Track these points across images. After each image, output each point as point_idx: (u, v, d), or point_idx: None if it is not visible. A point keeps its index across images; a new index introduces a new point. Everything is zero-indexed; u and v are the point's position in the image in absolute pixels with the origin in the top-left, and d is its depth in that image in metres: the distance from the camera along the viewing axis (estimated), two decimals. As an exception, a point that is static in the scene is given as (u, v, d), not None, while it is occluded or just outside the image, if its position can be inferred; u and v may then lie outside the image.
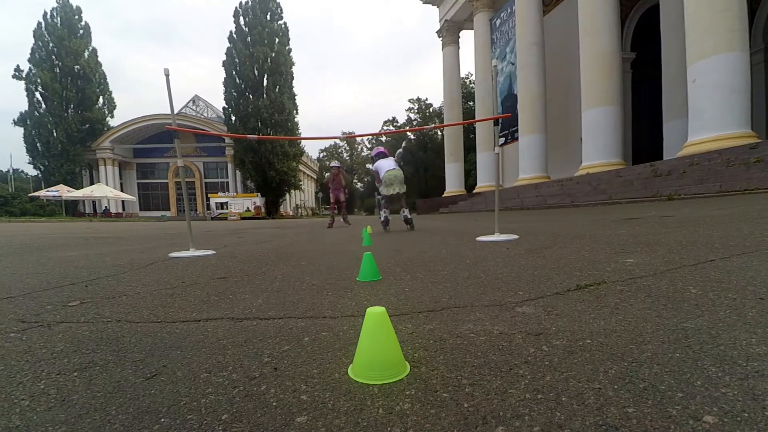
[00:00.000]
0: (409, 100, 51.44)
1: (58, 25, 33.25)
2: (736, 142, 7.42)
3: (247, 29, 31.51)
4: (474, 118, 21.11)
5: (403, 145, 5.42)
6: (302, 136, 36.04)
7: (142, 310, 1.42)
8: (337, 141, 60.81)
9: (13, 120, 32.51)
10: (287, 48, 32.97)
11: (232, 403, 0.70)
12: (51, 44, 32.86)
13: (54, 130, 32.32)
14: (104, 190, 30.63)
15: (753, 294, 1.19)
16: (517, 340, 0.96)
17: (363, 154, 62.19)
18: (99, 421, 0.66)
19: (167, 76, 3.01)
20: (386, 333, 0.79)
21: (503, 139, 15.85)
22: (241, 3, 31.63)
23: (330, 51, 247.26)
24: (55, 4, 33.51)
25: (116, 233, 7.33)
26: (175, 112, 3.43)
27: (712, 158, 7.40)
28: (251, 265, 2.51)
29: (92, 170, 36.96)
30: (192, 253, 3.16)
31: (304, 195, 47.31)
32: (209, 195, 35.10)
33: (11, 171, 43.86)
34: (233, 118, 31.59)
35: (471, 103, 29.73)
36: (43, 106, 32.54)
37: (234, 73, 31.31)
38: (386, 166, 5.58)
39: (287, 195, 37.00)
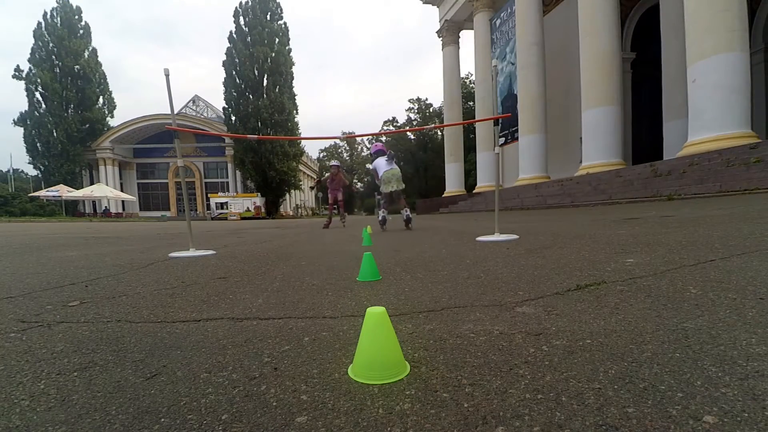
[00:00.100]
0: (409, 100, 51.48)
1: (58, 25, 33.26)
2: (736, 142, 7.42)
3: (247, 29, 31.52)
4: (474, 118, 21.11)
5: (390, 153, 5.87)
6: (302, 136, 36.08)
7: (142, 310, 1.42)
8: (337, 141, 60.86)
9: (13, 120, 32.54)
10: (287, 48, 32.98)
11: (232, 403, 0.70)
12: (51, 44, 32.86)
13: (54, 130, 32.33)
14: (104, 190, 30.64)
15: (753, 294, 1.19)
16: (517, 340, 0.96)
17: (363, 154, 62.23)
18: (99, 421, 0.66)
19: (167, 76, 3.01)
20: (386, 333, 0.79)
21: (503, 139, 15.85)
22: (241, 3, 31.64)
23: (330, 51, 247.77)
24: (55, 4, 33.52)
25: (116, 233, 7.33)
26: (175, 112, 3.43)
27: (712, 158, 7.40)
28: (251, 265, 2.51)
29: (92, 170, 36.96)
30: (192, 253, 3.16)
31: (304, 195, 47.32)
32: (209, 195, 35.12)
33: (11, 171, 43.94)
34: (233, 118, 31.60)
35: (471, 103, 29.74)
36: (43, 106, 32.55)
37: (234, 73, 31.32)
38: (384, 165, 5.87)
39: (287, 195, 37.01)
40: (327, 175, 8.34)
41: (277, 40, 32.09)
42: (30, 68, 32.30)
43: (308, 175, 49.62)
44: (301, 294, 1.61)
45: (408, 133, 48.49)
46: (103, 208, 35.43)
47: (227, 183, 38.43)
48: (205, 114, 40.31)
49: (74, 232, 8.20)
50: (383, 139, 42.73)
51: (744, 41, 7.65)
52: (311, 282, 1.86)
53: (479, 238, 3.47)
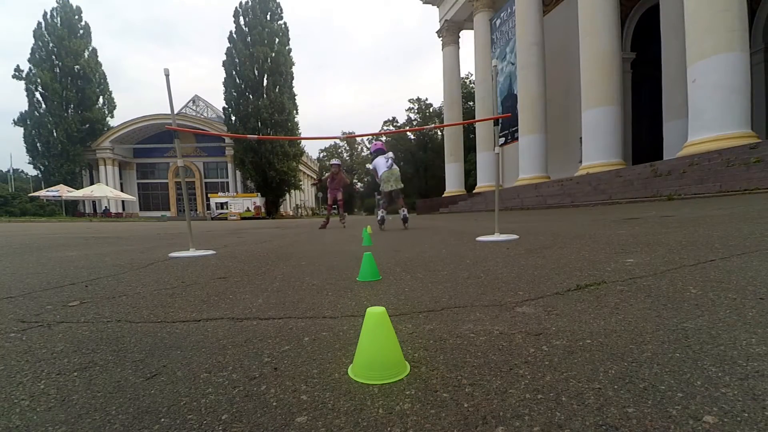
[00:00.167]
0: (409, 100, 51.46)
1: (58, 25, 33.26)
2: (736, 142, 7.42)
3: (247, 29, 31.52)
4: (474, 118, 21.11)
5: (390, 155, 6.18)
6: (302, 136, 36.07)
7: (142, 310, 1.42)
8: (337, 141, 60.83)
9: (13, 120, 32.54)
10: (287, 48, 32.98)
11: (232, 403, 0.70)
12: (51, 44, 32.87)
13: (54, 130, 32.34)
14: (104, 190, 30.63)
15: (753, 294, 1.19)
16: (517, 340, 0.96)
17: (363, 154, 62.22)
18: (99, 421, 0.66)
19: (167, 76, 3.01)
20: (386, 333, 0.79)
21: (503, 139, 15.85)
22: (241, 3, 31.64)
23: (330, 51, 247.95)
24: (55, 4, 33.52)
25: (116, 233, 7.33)
26: (175, 112, 3.43)
27: (712, 158, 7.40)
28: (251, 265, 2.51)
29: (92, 170, 36.96)
30: (192, 253, 3.16)
31: (304, 195, 47.33)
32: (209, 195, 35.12)
33: (11, 171, 43.94)
34: (233, 118, 31.60)
35: (471, 103, 29.74)
36: (43, 106, 32.55)
37: (234, 73, 31.32)
38: (384, 165, 6.06)
39: (287, 195, 37.01)
40: (327, 174, 8.27)
41: (277, 40, 32.09)
42: (30, 68, 32.30)
43: (308, 175, 49.64)
44: (301, 294, 1.61)
45: (408, 133, 48.48)
46: (103, 208, 35.43)
47: (227, 183, 38.43)
48: (205, 114, 40.31)
49: (74, 232, 8.20)
50: (383, 139, 42.75)
51: (744, 41, 7.65)
52: (311, 282, 1.86)
53: (479, 238, 3.46)
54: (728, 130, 7.68)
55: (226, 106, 32.03)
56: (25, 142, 32.72)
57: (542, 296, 1.37)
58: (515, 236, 3.37)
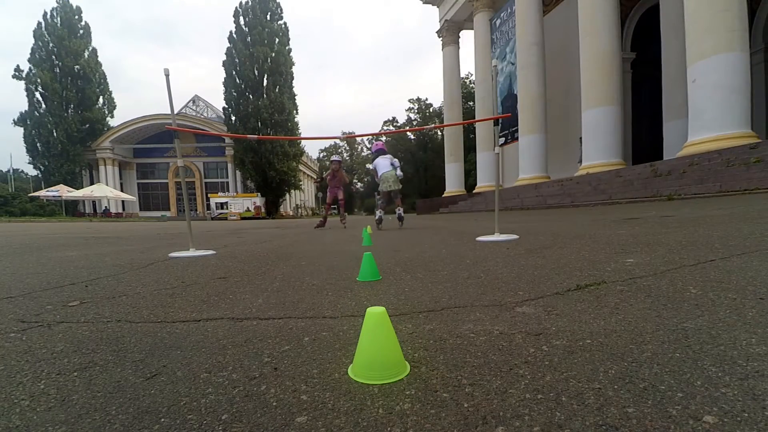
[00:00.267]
0: (409, 100, 51.58)
1: (58, 25, 33.28)
2: (736, 142, 7.42)
3: (247, 29, 31.53)
4: (474, 118, 21.12)
5: (397, 162, 6.50)
6: (302, 136, 36.07)
7: (142, 310, 1.42)
8: (337, 141, 60.83)
9: (13, 120, 32.56)
10: (287, 48, 33.00)
11: (232, 403, 0.70)
12: (51, 44, 32.89)
13: (54, 130, 32.35)
14: (104, 190, 30.64)
15: (753, 294, 1.19)
16: (517, 340, 0.96)
17: (363, 154, 62.24)
18: (99, 421, 0.66)
19: (167, 76, 3.01)
20: (386, 333, 0.79)
21: (503, 139, 15.85)
22: (241, 3, 31.65)
23: (330, 51, 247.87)
24: (55, 4, 33.54)
25: (116, 233, 7.33)
26: (175, 112, 3.42)
27: (712, 158, 7.40)
28: (251, 265, 2.51)
29: (92, 170, 36.98)
30: (192, 253, 3.16)
31: (304, 195, 47.33)
32: (209, 195, 35.13)
33: (11, 171, 43.96)
34: (233, 118, 31.62)
35: (471, 103, 29.77)
36: (43, 106, 32.57)
37: (234, 73, 31.34)
38: (383, 166, 6.36)
39: (287, 195, 37.01)
40: (327, 171, 8.01)
41: (277, 40, 32.11)
42: (30, 68, 32.32)
43: (308, 175, 49.63)
44: (301, 294, 1.61)
45: (408, 133, 48.51)
46: (103, 208, 35.44)
47: (227, 183, 38.44)
48: (205, 114, 40.32)
49: (74, 232, 8.20)
50: (383, 138, 42.77)
51: (744, 41, 7.65)
52: (311, 282, 1.86)
53: (479, 238, 3.46)
54: (728, 130, 7.68)
55: (226, 106, 32.05)
56: (25, 142, 32.75)
57: (542, 296, 1.37)
58: (515, 236, 3.37)
